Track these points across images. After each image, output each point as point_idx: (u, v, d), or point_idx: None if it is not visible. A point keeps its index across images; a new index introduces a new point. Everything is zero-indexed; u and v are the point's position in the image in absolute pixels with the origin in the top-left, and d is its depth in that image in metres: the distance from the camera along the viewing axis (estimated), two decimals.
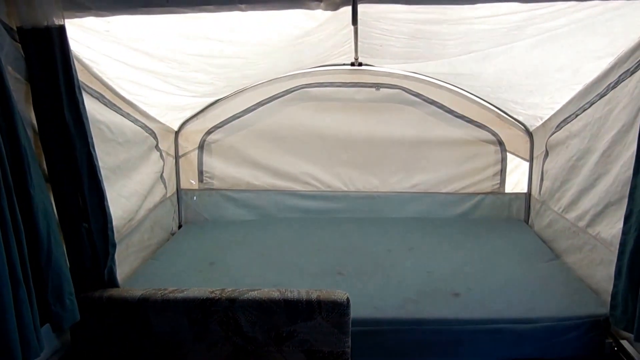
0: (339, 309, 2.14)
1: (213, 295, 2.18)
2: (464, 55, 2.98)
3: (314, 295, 2.16)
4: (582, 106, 3.09)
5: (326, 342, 2.17)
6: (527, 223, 4.18)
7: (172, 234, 3.98)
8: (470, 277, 3.00)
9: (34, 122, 1.95)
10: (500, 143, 4.19)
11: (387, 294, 2.76)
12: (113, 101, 2.79)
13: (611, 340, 2.48)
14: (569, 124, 3.33)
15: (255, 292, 2.20)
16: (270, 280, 2.91)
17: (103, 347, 2.21)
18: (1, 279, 1.49)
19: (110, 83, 2.66)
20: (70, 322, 1.95)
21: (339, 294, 2.17)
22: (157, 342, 2.19)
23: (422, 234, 3.83)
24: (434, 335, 2.50)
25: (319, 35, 2.53)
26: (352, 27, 2.63)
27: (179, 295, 2.19)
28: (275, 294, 2.18)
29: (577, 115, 3.19)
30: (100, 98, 2.62)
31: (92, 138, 2.05)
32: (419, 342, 2.51)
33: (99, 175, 2.09)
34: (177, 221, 4.21)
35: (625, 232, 2.24)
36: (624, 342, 2.43)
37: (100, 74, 2.53)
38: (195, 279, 2.96)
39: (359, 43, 3.05)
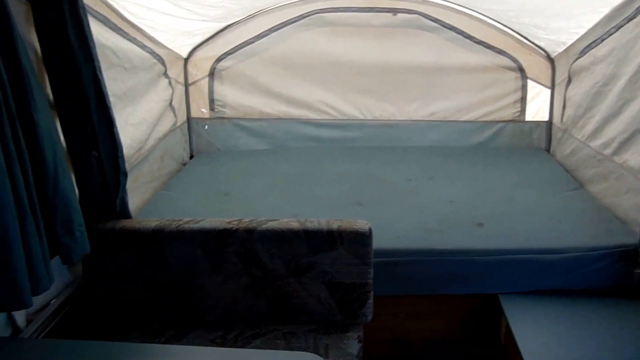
0: (361, 239, 2.06)
1: (230, 225, 2.11)
2: None
3: (334, 225, 2.09)
4: (609, 30, 2.91)
5: (348, 273, 2.11)
6: (549, 152, 4.07)
7: (184, 164, 3.90)
8: (493, 206, 2.92)
9: (36, 44, 1.82)
10: (521, 70, 4.02)
11: (409, 224, 2.69)
12: (119, 25, 2.63)
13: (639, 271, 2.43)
14: (593, 49, 3.15)
15: (274, 222, 2.13)
16: (288, 211, 2.83)
17: (116, 280, 2.16)
18: (7, 210, 1.40)
19: (116, 6, 2.50)
20: (81, 254, 1.88)
21: (361, 224, 2.09)
22: (172, 274, 2.14)
23: (442, 163, 3.73)
24: (458, 266, 2.45)
25: None
26: None
27: (195, 226, 2.12)
28: (294, 224, 2.11)
29: (602, 40, 3.01)
30: (105, 22, 2.46)
31: (98, 61, 1.92)
32: (442, 274, 2.46)
33: (107, 100, 1.97)
34: (188, 151, 4.12)
35: None
36: None
37: None
38: (210, 210, 2.88)
39: None
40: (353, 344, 2.09)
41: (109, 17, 2.50)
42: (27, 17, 1.79)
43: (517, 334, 2.20)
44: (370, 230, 2.07)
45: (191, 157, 4.12)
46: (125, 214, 2.22)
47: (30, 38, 1.80)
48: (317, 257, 2.10)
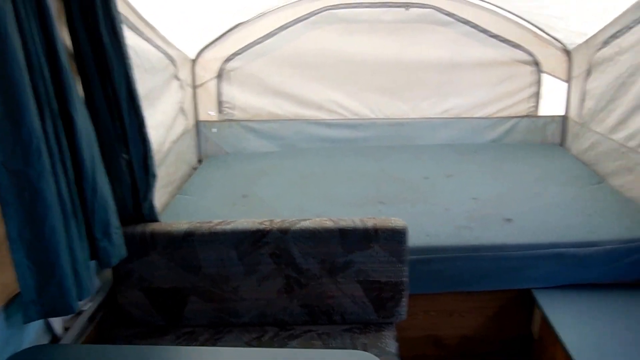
0: (397, 236, 2.04)
1: (263, 226, 2.07)
2: None
3: (369, 223, 2.06)
4: (637, 19, 2.88)
5: (383, 271, 2.07)
6: (563, 147, 4.04)
7: (194, 168, 3.83)
8: (518, 202, 2.89)
9: (67, 41, 1.74)
10: (536, 63, 4.00)
11: (436, 222, 2.65)
12: (137, 24, 2.58)
13: None
14: (619, 39, 3.11)
15: (308, 221, 2.09)
16: (311, 211, 2.77)
17: (147, 284, 2.10)
18: (53, 211, 1.35)
19: (134, 4, 2.45)
20: (118, 258, 1.83)
21: (396, 221, 2.07)
22: (205, 277, 2.09)
23: (458, 160, 3.70)
24: (491, 262, 2.42)
25: None
26: None
27: (227, 227, 2.07)
28: (329, 223, 2.07)
29: (630, 29, 2.97)
30: (125, 21, 2.39)
31: (130, 59, 1.86)
32: (476, 270, 2.43)
33: (138, 100, 1.91)
34: (197, 155, 4.04)
35: None
36: None
37: None
38: (231, 212, 2.84)
39: None
40: (391, 343, 2.05)
41: (128, 16, 2.46)
42: (59, 13, 1.72)
43: (558, 328, 2.18)
44: (405, 227, 2.05)
45: (200, 160, 4.04)
46: (153, 217, 2.16)
47: (61, 33, 1.73)
48: (353, 255, 2.06)
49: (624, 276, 2.44)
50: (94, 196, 1.61)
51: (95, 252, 1.69)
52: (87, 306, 1.92)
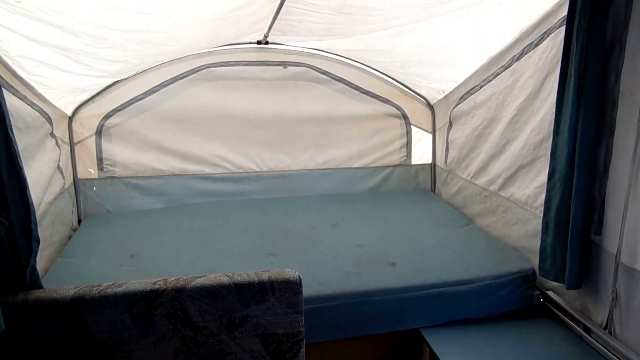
0: (292, 287, 2.08)
1: (157, 286, 2.02)
2: (381, 32, 3.01)
3: (265, 276, 2.09)
4: (486, 78, 3.28)
5: (280, 323, 2.10)
6: (434, 192, 4.39)
7: (74, 230, 3.63)
8: (399, 246, 3.09)
9: None
10: (405, 117, 4.37)
11: (326, 270, 2.75)
12: (10, 82, 2.48)
13: (538, 292, 2.69)
14: (473, 95, 3.51)
15: (202, 278, 2.07)
16: (202, 267, 2.77)
17: (32, 357, 1.96)
18: None
19: (9, 62, 2.35)
20: None
21: (290, 273, 2.11)
22: (96, 343, 1.98)
23: (340, 209, 3.88)
24: (381, 305, 2.54)
25: (248, 9, 2.41)
26: (278, 2, 2.53)
27: (118, 290, 2.00)
28: (224, 279, 2.07)
29: (481, 87, 3.37)
30: None
31: (10, 120, 1.79)
32: (366, 314, 2.54)
33: (19, 161, 1.83)
34: (77, 215, 3.85)
35: (549, 189, 2.42)
36: (550, 293, 2.66)
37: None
38: (119, 274, 2.72)
39: (277, 19, 2.95)
40: None
41: (1, 74, 2.35)
42: None
43: None
44: (299, 278, 2.10)
45: (79, 221, 3.85)
46: (36, 284, 2.02)
47: None
48: (249, 310, 2.08)
49: (496, 309, 2.68)
50: None
51: None
52: None
